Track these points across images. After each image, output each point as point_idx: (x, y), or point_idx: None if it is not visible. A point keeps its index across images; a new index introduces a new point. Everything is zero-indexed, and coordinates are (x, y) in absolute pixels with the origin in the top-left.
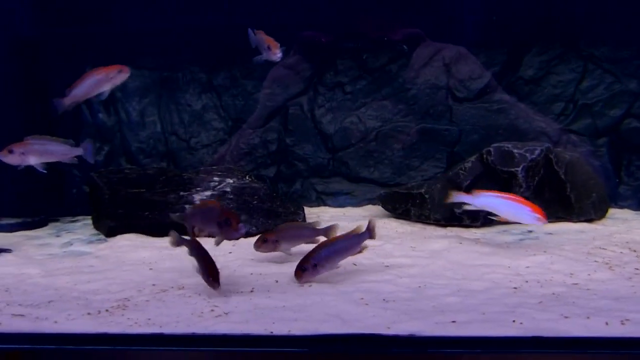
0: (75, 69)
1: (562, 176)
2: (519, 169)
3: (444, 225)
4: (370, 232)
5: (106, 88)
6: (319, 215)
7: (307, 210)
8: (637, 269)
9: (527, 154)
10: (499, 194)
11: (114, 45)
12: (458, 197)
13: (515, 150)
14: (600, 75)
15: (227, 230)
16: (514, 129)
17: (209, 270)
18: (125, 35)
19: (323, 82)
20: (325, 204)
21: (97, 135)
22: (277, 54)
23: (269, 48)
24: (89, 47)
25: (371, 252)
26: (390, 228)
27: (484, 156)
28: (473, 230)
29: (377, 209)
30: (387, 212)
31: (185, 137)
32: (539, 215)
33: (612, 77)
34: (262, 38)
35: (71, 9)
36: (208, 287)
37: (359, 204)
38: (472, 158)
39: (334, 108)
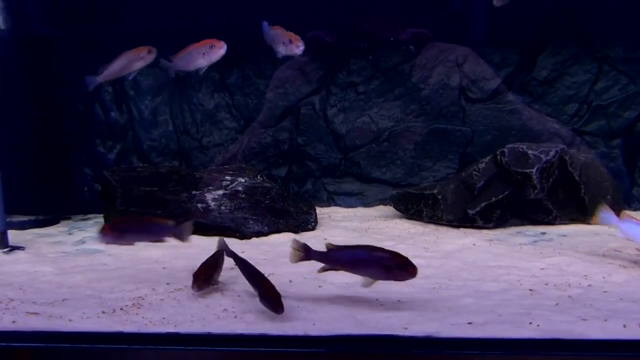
0: (86, 68)
1: (577, 178)
2: (534, 170)
3: (457, 227)
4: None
5: (137, 67)
6: (330, 215)
7: (319, 211)
8: None
9: (542, 155)
10: None
11: (125, 43)
12: (605, 214)
13: (530, 152)
14: (614, 76)
15: (400, 274)
16: (527, 130)
17: (269, 294)
18: (136, 34)
19: (335, 82)
20: (336, 204)
21: (109, 133)
22: (299, 47)
23: (290, 42)
24: (99, 46)
25: None
26: (402, 229)
27: (498, 157)
28: (486, 231)
29: (388, 209)
30: (399, 213)
31: (197, 136)
32: None
33: (626, 78)
34: (279, 32)
35: (82, 7)
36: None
37: (370, 204)
38: (486, 159)
39: (346, 108)
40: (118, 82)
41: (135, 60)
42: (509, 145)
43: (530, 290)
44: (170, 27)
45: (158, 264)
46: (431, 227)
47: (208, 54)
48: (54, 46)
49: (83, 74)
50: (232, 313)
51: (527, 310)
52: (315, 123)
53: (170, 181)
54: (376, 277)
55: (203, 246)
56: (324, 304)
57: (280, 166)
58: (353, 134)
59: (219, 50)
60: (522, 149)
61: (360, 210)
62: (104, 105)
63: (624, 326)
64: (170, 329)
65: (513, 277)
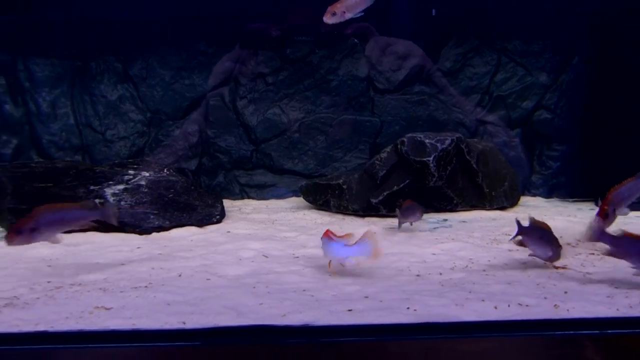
0: None
1: (474, 165)
2: (431, 158)
3: (362, 216)
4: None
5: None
6: (241, 208)
7: (230, 203)
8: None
9: (438, 144)
10: None
11: (21, 33)
12: None
13: (427, 141)
14: (512, 68)
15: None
16: (433, 120)
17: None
18: (33, 23)
19: (244, 73)
20: (249, 197)
21: (4, 127)
22: None
23: None
24: None
25: (284, 244)
26: (309, 219)
27: (399, 146)
28: (390, 219)
29: (300, 200)
30: (308, 204)
31: (100, 129)
32: None
33: (523, 70)
34: None
35: None
36: None
37: (283, 195)
38: (388, 148)
39: (255, 99)
40: (11, 74)
41: None
42: (408, 135)
43: (417, 275)
44: (81, 16)
45: (43, 262)
46: (338, 217)
47: None
48: None
49: None
50: (107, 309)
51: (408, 295)
52: (224, 115)
53: (67, 176)
54: None
55: (98, 243)
56: (211, 296)
57: (190, 159)
58: (264, 126)
59: None
60: (420, 138)
61: (272, 202)
62: None
63: (495, 308)
64: (42, 327)
65: (404, 263)
